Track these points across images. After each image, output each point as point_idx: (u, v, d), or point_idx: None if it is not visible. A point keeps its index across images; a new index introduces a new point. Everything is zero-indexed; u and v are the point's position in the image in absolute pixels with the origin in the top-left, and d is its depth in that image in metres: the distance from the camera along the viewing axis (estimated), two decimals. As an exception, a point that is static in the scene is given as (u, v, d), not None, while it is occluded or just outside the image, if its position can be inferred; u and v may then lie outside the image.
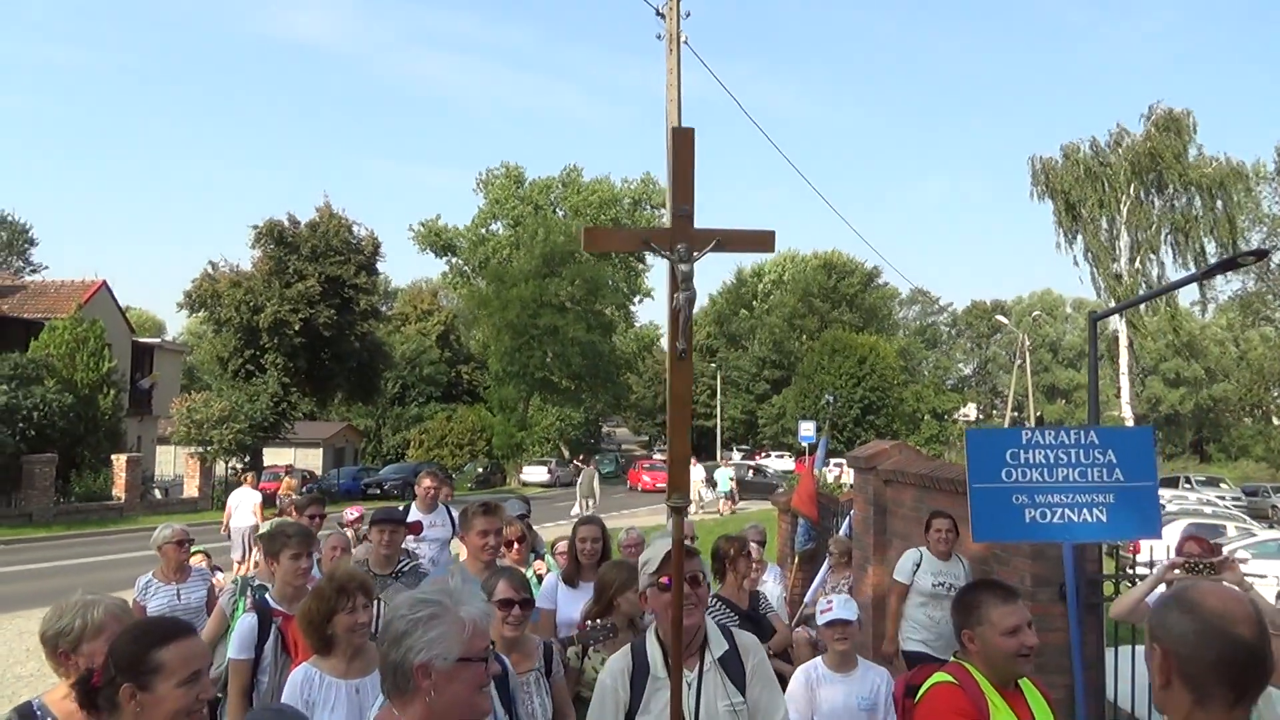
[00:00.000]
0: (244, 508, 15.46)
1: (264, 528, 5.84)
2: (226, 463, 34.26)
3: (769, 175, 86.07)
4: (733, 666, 2.88)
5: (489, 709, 2.29)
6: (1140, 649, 5.74)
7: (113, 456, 30.42)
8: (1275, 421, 46.89)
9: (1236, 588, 1.76)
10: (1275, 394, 40.42)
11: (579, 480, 18.71)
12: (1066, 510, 3.96)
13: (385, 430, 57.79)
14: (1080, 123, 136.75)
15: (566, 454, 59.41)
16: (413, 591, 2.30)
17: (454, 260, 68.81)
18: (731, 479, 32.65)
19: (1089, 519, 3.98)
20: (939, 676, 2.82)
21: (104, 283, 38.07)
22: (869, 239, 71.54)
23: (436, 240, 67.44)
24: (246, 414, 33.23)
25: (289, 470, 39.04)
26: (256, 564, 6.59)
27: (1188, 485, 38.68)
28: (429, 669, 2.08)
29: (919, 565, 6.37)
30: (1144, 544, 11.36)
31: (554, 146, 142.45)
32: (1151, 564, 6.06)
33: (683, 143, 2.88)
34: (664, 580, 2.83)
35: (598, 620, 4.44)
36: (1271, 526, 21.78)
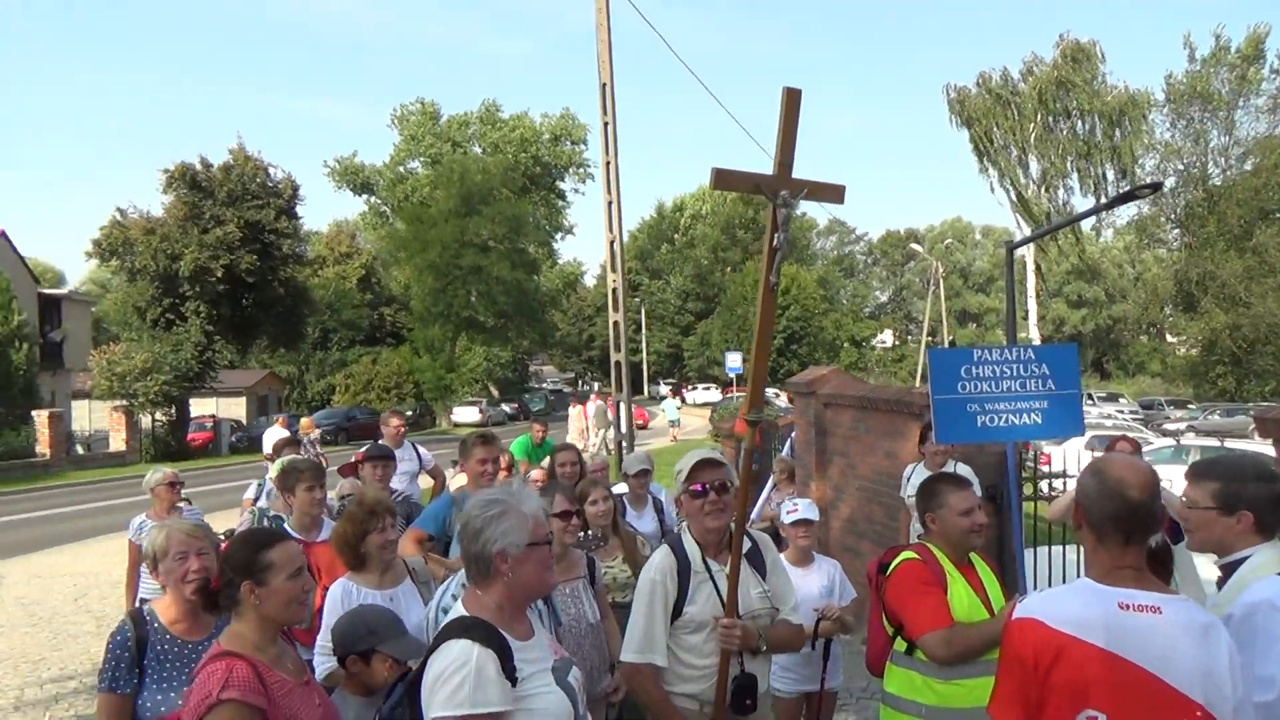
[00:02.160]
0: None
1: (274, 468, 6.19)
2: (152, 415, 33.60)
3: (694, 107, 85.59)
4: (756, 560, 3.37)
5: (554, 582, 2.74)
6: (1056, 549, 6.47)
7: (33, 413, 29.62)
8: (1169, 339, 49.53)
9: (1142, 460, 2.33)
10: (1168, 313, 42.66)
11: (592, 413, 20.38)
12: (1010, 415, 4.66)
13: (309, 376, 56.91)
14: (999, 53, 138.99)
15: (496, 394, 59.47)
16: (479, 495, 2.72)
17: (372, 200, 67.39)
18: (679, 408, 38.16)
19: (1028, 421, 4.70)
20: (906, 554, 3.38)
21: (2, 232, 36.10)
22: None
23: (354, 178, 65.91)
24: (171, 364, 32.55)
25: (209, 421, 38.47)
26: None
27: (1090, 401, 41.01)
28: (505, 555, 2.49)
29: (909, 480, 6.49)
30: (1055, 455, 12.36)
31: (470, 82, 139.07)
32: (1064, 473, 6.80)
33: (790, 103, 3.18)
34: (695, 487, 3.28)
35: (586, 532, 4.97)
36: (1164, 436, 23.51)
